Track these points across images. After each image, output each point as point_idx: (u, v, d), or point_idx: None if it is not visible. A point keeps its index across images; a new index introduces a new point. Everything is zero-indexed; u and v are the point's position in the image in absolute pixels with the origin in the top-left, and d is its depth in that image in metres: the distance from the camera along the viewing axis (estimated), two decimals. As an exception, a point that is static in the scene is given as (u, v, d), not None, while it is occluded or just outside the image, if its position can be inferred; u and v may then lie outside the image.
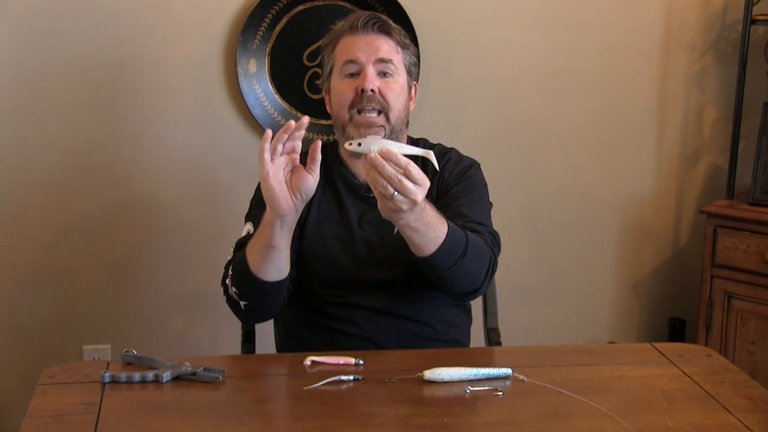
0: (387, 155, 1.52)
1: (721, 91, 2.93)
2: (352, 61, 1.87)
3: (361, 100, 1.85)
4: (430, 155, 1.61)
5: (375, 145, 1.53)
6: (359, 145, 1.55)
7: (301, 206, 1.69)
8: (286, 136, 1.63)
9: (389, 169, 1.52)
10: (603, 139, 2.90)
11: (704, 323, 2.75)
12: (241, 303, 1.80)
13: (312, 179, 1.65)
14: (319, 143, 1.64)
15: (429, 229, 1.65)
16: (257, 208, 1.89)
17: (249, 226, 1.89)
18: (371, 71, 1.85)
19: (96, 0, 2.54)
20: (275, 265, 1.73)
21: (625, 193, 2.95)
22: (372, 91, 1.84)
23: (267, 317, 1.92)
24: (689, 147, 2.97)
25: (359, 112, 1.86)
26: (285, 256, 1.73)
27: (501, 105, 2.81)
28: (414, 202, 1.55)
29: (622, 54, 2.85)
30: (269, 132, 1.63)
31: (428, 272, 1.74)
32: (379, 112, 1.86)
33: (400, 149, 1.54)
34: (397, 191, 1.53)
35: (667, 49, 2.88)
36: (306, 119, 1.64)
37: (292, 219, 1.69)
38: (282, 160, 1.65)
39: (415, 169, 1.53)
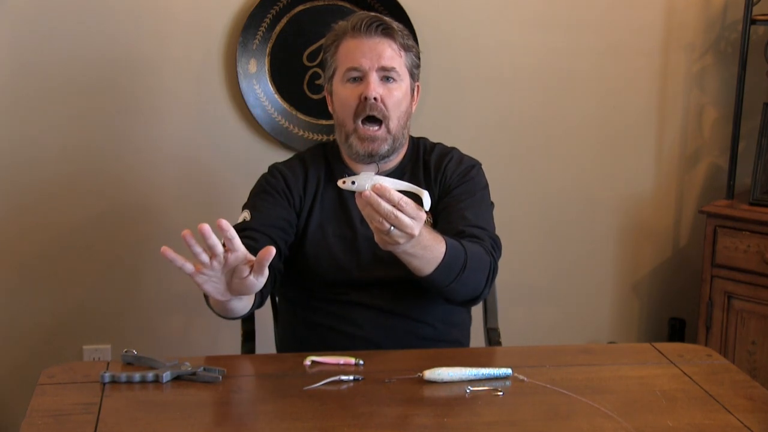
0: (380, 191, 1.50)
1: (721, 91, 2.93)
2: (355, 68, 1.87)
3: (364, 108, 1.85)
4: (424, 195, 1.55)
5: (368, 182, 1.51)
6: (353, 183, 1.52)
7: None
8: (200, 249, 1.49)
9: (385, 206, 1.50)
10: (603, 139, 2.90)
11: (704, 323, 2.75)
12: (212, 308, 1.76)
13: (256, 284, 1.52)
14: (272, 250, 1.47)
15: (426, 252, 1.66)
16: (257, 198, 1.91)
17: (246, 214, 1.88)
18: (374, 78, 1.86)
19: (95, 0, 2.54)
20: (233, 310, 1.68)
21: (625, 193, 2.95)
22: (375, 99, 1.85)
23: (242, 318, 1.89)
24: (689, 147, 2.97)
25: (363, 122, 1.86)
26: (244, 305, 1.68)
27: (501, 105, 2.81)
28: (411, 236, 1.54)
29: (622, 54, 2.85)
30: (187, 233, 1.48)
31: (429, 288, 1.75)
32: (380, 123, 1.86)
33: (394, 185, 1.52)
34: (394, 226, 1.52)
35: (667, 49, 2.88)
36: (206, 227, 1.48)
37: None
38: (216, 266, 1.50)
39: (409, 204, 1.51)
